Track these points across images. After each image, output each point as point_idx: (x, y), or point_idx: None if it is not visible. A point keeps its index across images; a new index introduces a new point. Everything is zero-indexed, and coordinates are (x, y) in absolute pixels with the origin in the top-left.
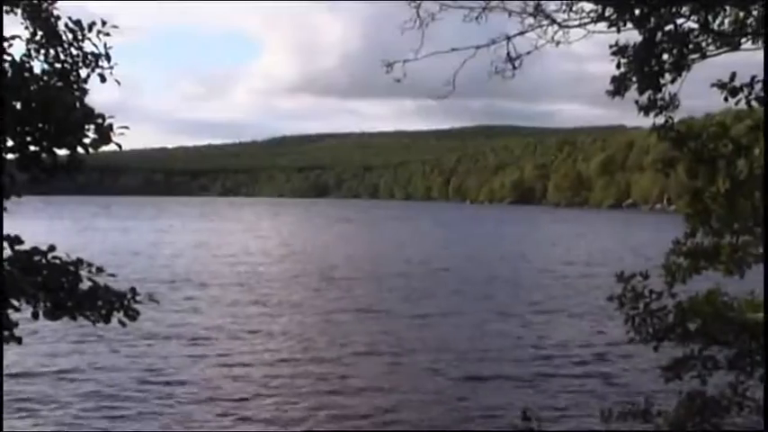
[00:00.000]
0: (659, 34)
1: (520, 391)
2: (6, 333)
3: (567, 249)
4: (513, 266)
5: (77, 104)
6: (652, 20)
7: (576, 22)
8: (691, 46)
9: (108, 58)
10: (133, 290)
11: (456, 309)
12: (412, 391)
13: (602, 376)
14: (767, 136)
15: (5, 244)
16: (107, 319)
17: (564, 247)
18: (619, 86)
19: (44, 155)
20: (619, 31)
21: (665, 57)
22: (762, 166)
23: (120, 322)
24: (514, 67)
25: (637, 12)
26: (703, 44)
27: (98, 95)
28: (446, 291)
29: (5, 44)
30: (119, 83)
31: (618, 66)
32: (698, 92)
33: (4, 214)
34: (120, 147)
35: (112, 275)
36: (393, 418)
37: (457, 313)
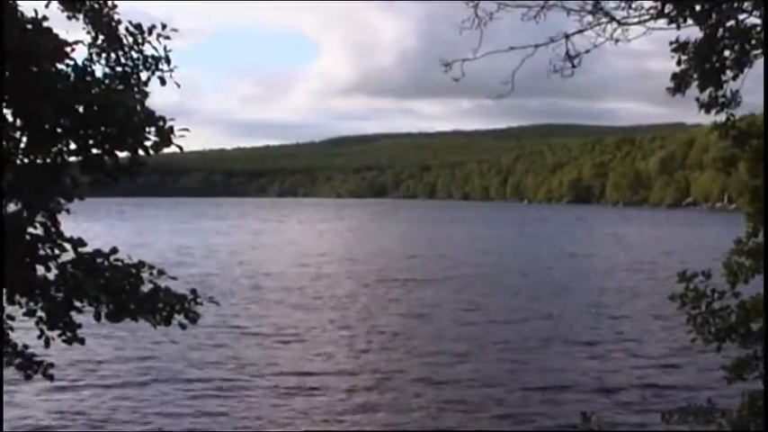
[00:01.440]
0: (720, 30)
1: (579, 391)
2: (70, 334)
3: (630, 249)
4: (577, 266)
5: (138, 107)
6: (713, 16)
7: (636, 20)
8: (753, 42)
9: (168, 60)
10: (194, 292)
11: (523, 309)
12: (475, 389)
13: (663, 376)
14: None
15: (69, 246)
16: (168, 322)
17: (626, 247)
18: (679, 84)
19: (106, 157)
20: (679, 27)
21: (727, 53)
22: None
23: (181, 324)
24: (573, 66)
25: (697, 8)
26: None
27: (157, 98)
28: (514, 291)
29: (68, 49)
30: (178, 85)
31: (678, 63)
32: (760, 88)
33: (67, 216)
34: (180, 149)
35: (173, 278)
36: (458, 417)
37: (522, 314)
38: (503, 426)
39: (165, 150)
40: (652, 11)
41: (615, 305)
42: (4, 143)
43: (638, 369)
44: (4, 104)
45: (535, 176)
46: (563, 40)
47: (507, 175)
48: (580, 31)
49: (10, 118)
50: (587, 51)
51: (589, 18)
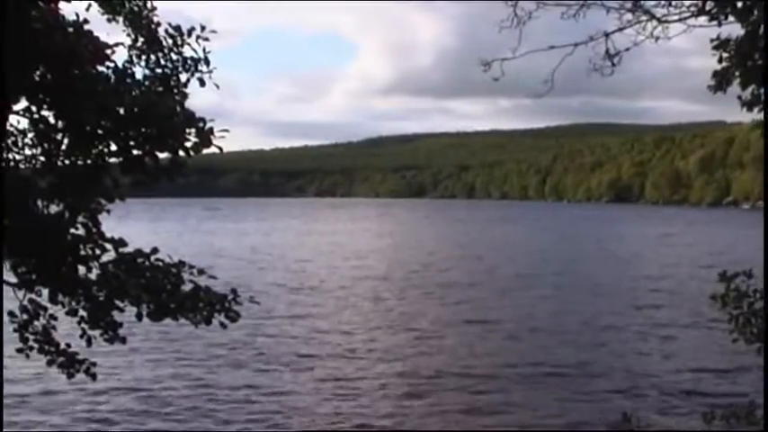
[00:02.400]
0: (762, 27)
1: (620, 390)
2: (111, 333)
3: (672, 248)
4: (620, 266)
5: (178, 109)
6: (755, 12)
7: (676, 17)
8: None
9: (207, 62)
10: (234, 291)
11: (565, 310)
12: (515, 391)
13: (704, 377)
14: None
15: (110, 246)
16: (208, 321)
17: (669, 247)
18: (720, 81)
19: (146, 158)
20: (720, 24)
21: None
22: None
23: (221, 324)
24: (613, 64)
25: (739, 4)
26: None
27: (196, 99)
28: (557, 292)
29: (108, 51)
30: (218, 86)
31: (719, 60)
32: None
33: (108, 217)
34: (220, 149)
35: (213, 277)
36: (496, 417)
37: (564, 315)
38: (544, 426)
39: (205, 151)
40: (693, 8)
41: (658, 306)
42: (46, 145)
43: (679, 370)
44: (46, 106)
45: (574, 176)
46: (602, 38)
47: (546, 174)
48: (620, 30)
49: (52, 120)
50: (627, 50)
51: (629, 16)
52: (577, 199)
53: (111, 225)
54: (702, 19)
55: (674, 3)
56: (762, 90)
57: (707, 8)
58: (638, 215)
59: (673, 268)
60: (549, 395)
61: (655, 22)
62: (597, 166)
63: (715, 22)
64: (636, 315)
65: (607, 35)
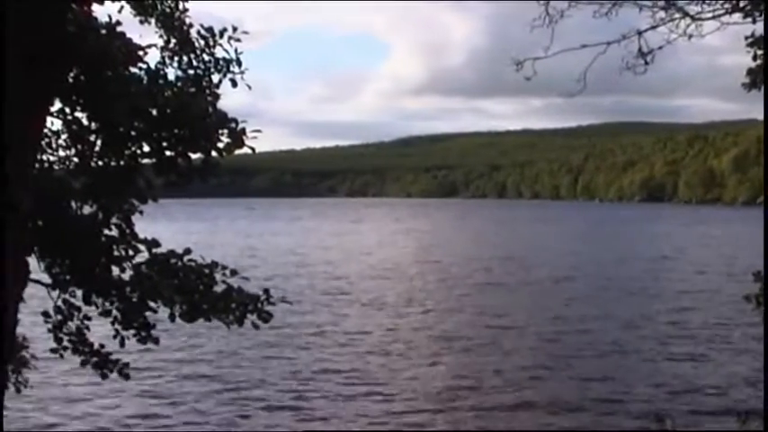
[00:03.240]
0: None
1: (653, 392)
2: (144, 333)
3: (709, 249)
4: (658, 267)
5: (211, 109)
6: None
7: (710, 15)
8: None
9: (239, 63)
10: (266, 292)
11: (601, 311)
12: (549, 391)
13: (738, 377)
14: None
15: (143, 247)
16: (241, 321)
17: (705, 247)
18: (755, 79)
19: (179, 159)
20: (754, 21)
21: None
22: None
23: (254, 324)
24: (646, 63)
25: None
26: None
27: (228, 99)
28: (595, 294)
29: (141, 52)
30: (249, 87)
31: (754, 58)
32: None
33: (141, 218)
34: (253, 150)
35: (246, 278)
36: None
37: (603, 317)
38: (577, 426)
39: (237, 151)
40: (726, 5)
41: (694, 307)
42: (80, 146)
43: (713, 371)
44: (80, 108)
45: (606, 175)
46: (635, 36)
47: (577, 173)
48: (653, 28)
49: (85, 121)
50: (660, 48)
51: (662, 14)
52: (609, 198)
53: (143, 226)
54: (736, 16)
55: (707, 0)
56: None
57: (741, 5)
58: (671, 215)
59: (709, 268)
60: (583, 395)
61: (688, 20)
62: (629, 165)
63: (749, 20)
64: (671, 316)
65: (640, 33)
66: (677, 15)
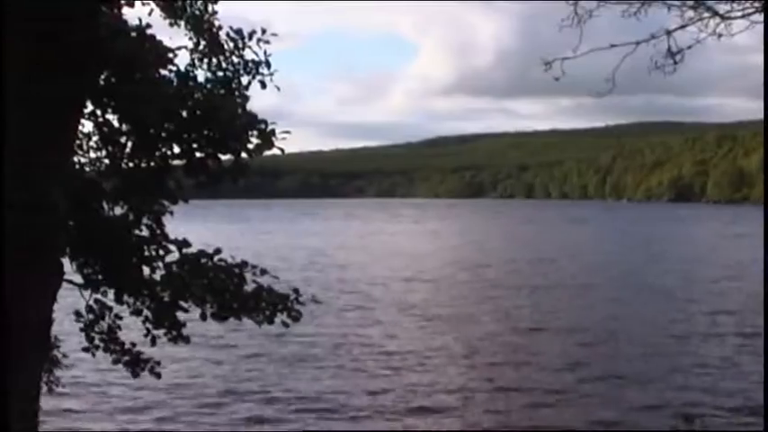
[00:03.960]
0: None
1: (682, 393)
2: (175, 333)
3: (742, 249)
4: (690, 268)
5: (240, 111)
6: None
7: (740, 14)
8: None
9: (268, 64)
10: (296, 291)
11: (637, 313)
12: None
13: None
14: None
15: (173, 247)
16: (271, 320)
17: (738, 248)
18: None
19: (209, 161)
20: None
21: None
22: None
23: (284, 323)
24: (675, 62)
25: None
26: None
27: (256, 101)
28: (630, 295)
29: (171, 55)
30: (278, 89)
31: None
32: None
33: (171, 218)
34: (282, 151)
35: (276, 277)
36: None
37: (635, 317)
38: (605, 426)
39: (266, 152)
40: (756, 4)
41: (727, 310)
42: (111, 148)
43: (743, 373)
44: (111, 110)
45: (634, 175)
46: (664, 36)
47: (606, 173)
48: (682, 27)
49: (116, 123)
50: (689, 47)
51: (691, 13)
52: (637, 198)
53: (173, 226)
54: None
55: None
56: None
57: None
58: (701, 214)
59: (742, 270)
60: (611, 395)
61: (717, 19)
62: (658, 164)
63: None
64: (704, 319)
65: (669, 33)
66: (706, 14)
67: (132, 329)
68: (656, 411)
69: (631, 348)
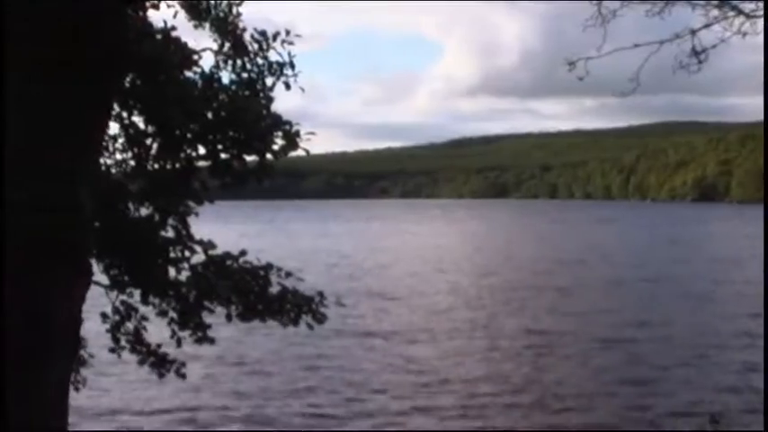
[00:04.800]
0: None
1: (711, 393)
2: (200, 334)
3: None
4: (720, 270)
5: (265, 112)
6: None
7: (765, 12)
8: None
9: (292, 65)
10: (321, 293)
11: (665, 314)
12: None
13: None
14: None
15: (199, 248)
16: (295, 322)
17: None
18: None
19: (234, 162)
20: None
21: None
22: None
23: (308, 325)
24: (700, 62)
25: None
26: None
27: (281, 102)
28: (659, 296)
29: (195, 57)
30: (303, 90)
31: None
32: None
33: (197, 219)
34: (307, 152)
35: (301, 279)
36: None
37: (663, 319)
38: (633, 427)
39: (291, 153)
40: None
41: (755, 313)
42: (136, 149)
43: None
44: (136, 112)
45: (658, 175)
46: (688, 35)
47: (629, 173)
48: (706, 26)
49: (142, 125)
50: (714, 46)
51: (715, 12)
52: (661, 198)
53: (199, 228)
54: None
55: None
56: None
57: None
58: (726, 214)
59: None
60: (637, 396)
61: (742, 18)
62: (682, 164)
63: None
64: (733, 322)
65: (693, 32)
66: (731, 13)
67: (158, 329)
68: (682, 410)
69: (663, 351)
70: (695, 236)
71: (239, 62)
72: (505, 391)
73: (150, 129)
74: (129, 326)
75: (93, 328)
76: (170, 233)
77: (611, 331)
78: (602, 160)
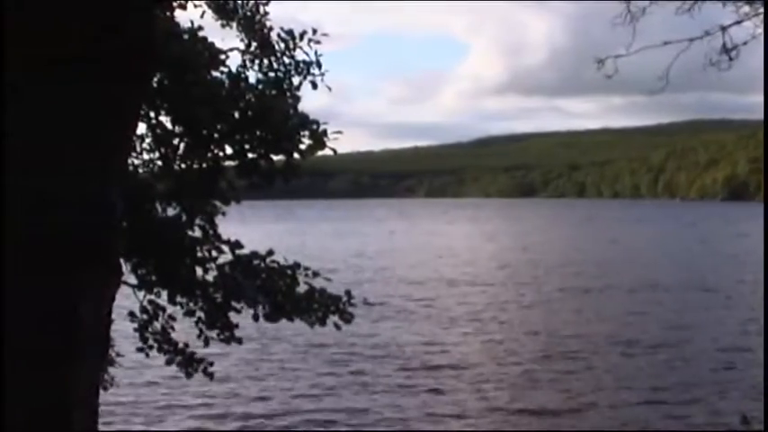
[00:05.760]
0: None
1: (742, 394)
2: (227, 334)
3: None
4: (756, 270)
5: (292, 111)
6: None
7: None
8: None
9: (319, 65)
10: (348, 293)
11: (698, 317)
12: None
13: None
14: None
15: (226, 248)
16: (323, 322)
17: None
18: None
19: (261, 161)
20: None
21: None
22: None
23: (336, 325)
24: (730, 59)
25: None
26: None
27: (307, 102)
28: (693, 299)
29: (222, 56)
30: (330, 89)
31: None
32: None
33: (224, 219)
34: (334, 151)
35: (328, 279)
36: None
37: (696, 322)
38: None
39: (318, 153)
40: None
41: None
42: (164, 149)
43: None
44: (164, 112)
45: (687, 173)
46: (719, 32)
47: (658, 172)
48: (737, 23)
49: (169, 125)
50: (744, 43)
51: (746, 8)
52: (690, 197)
53: (226, 228)
54: None
55: None
56: None
57: None
58: (757, 213)
59: None
60: (668, 398)
61: None
62: (711, 163)
63: None
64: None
65: (723, 29)
66: (762, 9)
67: (184, 328)
68: (713, 409)
69: (693, 352)
70: (727, 236)
71: (266, 61)
72: (535, 396)
73: (177, 129)
74: (157, 325)
75: (120, 328)
76: (197, 233)
77: (644, 334)
78: (631, 159)
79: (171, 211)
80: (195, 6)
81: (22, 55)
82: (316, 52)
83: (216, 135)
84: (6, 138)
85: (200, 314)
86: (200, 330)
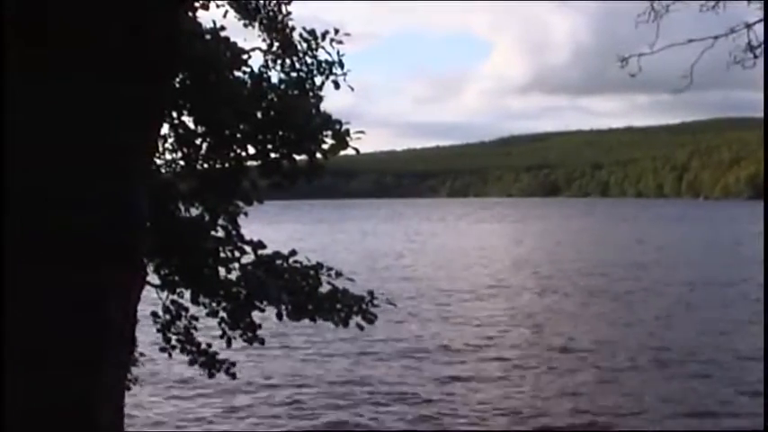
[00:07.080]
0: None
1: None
2: (250, 334)
3: None
4: None
5: (314, 111)
6: None
7: None
8: None
9: (341, 65)
10: (371, 293)
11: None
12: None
13: None
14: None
15: (249, 248)
16: (345, 323)
17: None
18: None
19: (284, 161)
20: None
21: None
22: None
23: (359, 326)
24: (755, 56)
25: None
26: None
27: (330, 102)
28: (724, 302)
29: (245, 56)
30: (352, 89)
31: None
32: None
33: (246, 219)
34: (357, 151)
35: (351, 279)
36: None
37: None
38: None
39: (341, 153)
40: None
41: None
42: (186, 149)
43: None
44: (186, 112)
45: (711, 172)
46: (744, 29)
47: (682, 171)
48: (762, 20)
49: (191, 125)
50: None
51: None
52: (715, 196)
53: (249, 228)
54: None
55: None
56: None
57: None
58: None
59: None
60: (692, 396)
61: None
62: (735, 161)
63: None
64: None
65: (748, 26)
66: None
67: (208, 329)
68: (736, 411)
69: (714, 350)
70: (756, 236)
71: (288, 61)
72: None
73: (200, 129)
74: (180, 325)
75: (143, 328)
76: (220, 233)
77: (675, 343)
78: (654, 158)
79: (193, 212)
80: (218, 6)
81: (45, 55)
82: (338, 52)
83: (238, 135)
84: (30, 137)
85: (222, 314)
86: (223, 331)
